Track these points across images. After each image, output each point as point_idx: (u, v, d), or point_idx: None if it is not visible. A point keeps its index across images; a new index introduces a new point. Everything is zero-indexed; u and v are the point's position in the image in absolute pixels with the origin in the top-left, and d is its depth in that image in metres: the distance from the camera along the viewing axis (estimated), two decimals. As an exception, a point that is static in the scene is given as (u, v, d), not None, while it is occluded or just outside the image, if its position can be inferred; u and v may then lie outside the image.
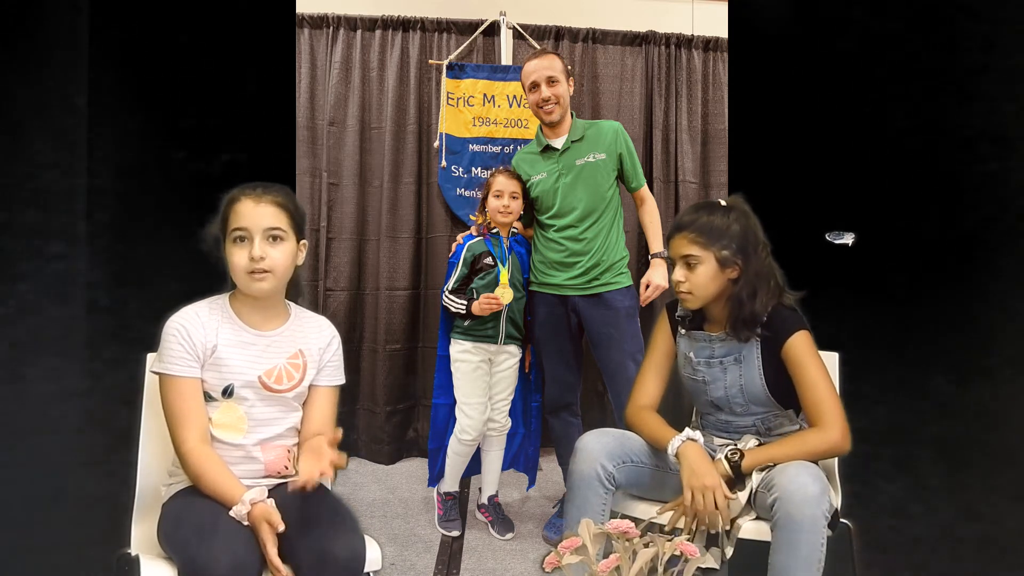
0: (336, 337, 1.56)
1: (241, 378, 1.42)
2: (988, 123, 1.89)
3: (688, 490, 1.45)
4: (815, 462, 1.50)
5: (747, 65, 2.13)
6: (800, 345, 1.55)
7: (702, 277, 1.56)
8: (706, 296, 1.58)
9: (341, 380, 1.55)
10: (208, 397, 1.42)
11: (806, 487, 1.37)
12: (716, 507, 1.43)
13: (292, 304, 1.54)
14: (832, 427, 1.51)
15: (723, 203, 1.61)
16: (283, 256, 1.43)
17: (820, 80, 2.00)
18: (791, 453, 1.48)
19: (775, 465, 1.47)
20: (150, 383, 1.48)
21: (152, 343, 1.44)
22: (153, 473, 1.50)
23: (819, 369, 1.55)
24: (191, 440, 1.37)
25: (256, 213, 1.41)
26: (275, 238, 1.41)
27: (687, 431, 1.55)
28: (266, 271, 1.40)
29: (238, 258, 1.40)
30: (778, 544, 1.37)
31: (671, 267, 1.63)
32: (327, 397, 1.52)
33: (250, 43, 1.93)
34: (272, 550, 1.26)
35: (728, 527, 1.46)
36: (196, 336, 1.40)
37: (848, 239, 1.95)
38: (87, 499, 1.76)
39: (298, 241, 1.47)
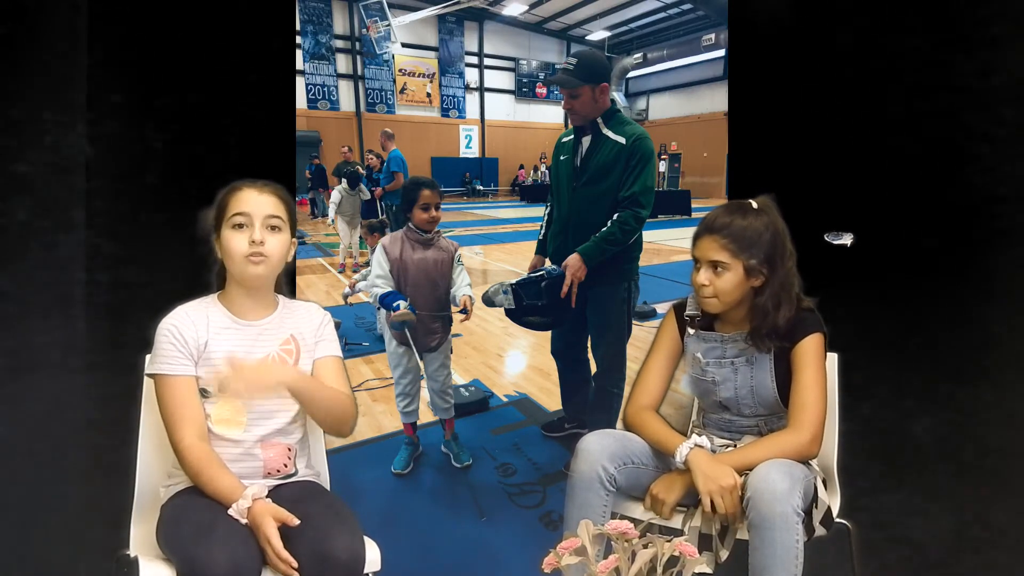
0: (327, 316, 1.57)
1: None
2: (989, 123, 1.89)
3: (706, 495, 1.45)
4: (804, 462, 1.50)
5: (746, 63, 2.12)
6: (808, 346, 1.55)
7: (728, 284, 1.54)
8: (730, 302, 1.57)
9: (339, 353, 1.55)
10: (205, 393, 1.43)
11: (774, 484, 1.37)
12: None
13: (280, 296, 1.54)
14: (804, 430, 1.51)
15: (755, 205, 1.58)
16: (280, 245, 1.44)
17: (820, 79, 2.00)
18: (764, 453, 1.48)
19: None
20: (149, 384, 1.48)
21: (151, 344, 1.45)
22: (152, 474, 1.50)
23: (817, 373, 1.54)
24: (188, 437, 1.37)
25: (259, 200, 1.43)
26: (274, 227, 1.43)
27: (694, 437, 1.54)
28: (264, 256, 1.41)
29: (237, 243, 1.41)
30: (753, 544, 1.37)
31: (695, 267, 1.61)
32: (332, 366, 1.52)
33: (250, 42, 1.93)
34: (277, 543, 1.25)
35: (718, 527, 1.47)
36: (187, 334, 1.41)
37: (847, 239, 1.94)
38: (86, 500, 1.76)
39: (291, 236, 1.48)
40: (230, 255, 1.42)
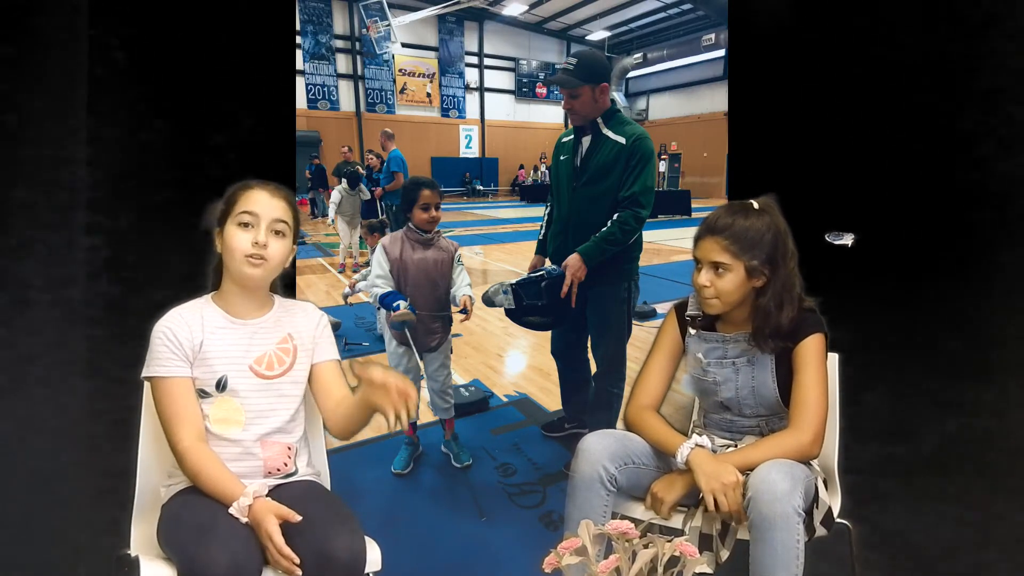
0: (324, 317, 1.56)
1: (233, 367, 1.43)
2: (989, 122, 1.89)
3: (709, 494, 1.45)
4: (805, 462, 1.50)
5: (747, 63, 2.12)
6: (810, 347, 1.55)
7: (729, 284, 1.54)
8: (731, 303, 1.57)
9: (338, 356, 1.55)
10: (203, 393, 1.42)
11: (775, 484, 1.37)
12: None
13: (275, 295, 1.54)
14: (805, 431, 1.51)
15: (756, 205, 1.58)
16: (281, 250, 1.44)
17: (820, 79, 2.00)
18: (766, 454, 1.49)
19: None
20: (149, 385, 1.48)
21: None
22: (153, 474, 1.50)
23: (818, 373, 1.54)
24: (187, 439, 1.37)
25: (270, 203, 1.43)
26: (278, 232, 1.43)
27: (695, 437, 1.55)
28: (264, 259, 1.41)
29: (240, 240, 1.41)
30: (754, 544, 1.38)
31: (696, 268, 1.61)
32: (334, 368, 1.53)
33: (250, 42, 1.93)
34: (279, 540, 1.26)
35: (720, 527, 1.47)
36: (182, 335, 1.41)
37: (848, 239, 1.94)
38: (87, 500, 1.76)
39: (293, 243, 1.48)
40: (231, 252, 1.42)
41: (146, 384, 1.48)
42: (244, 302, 1.47)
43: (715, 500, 1.44)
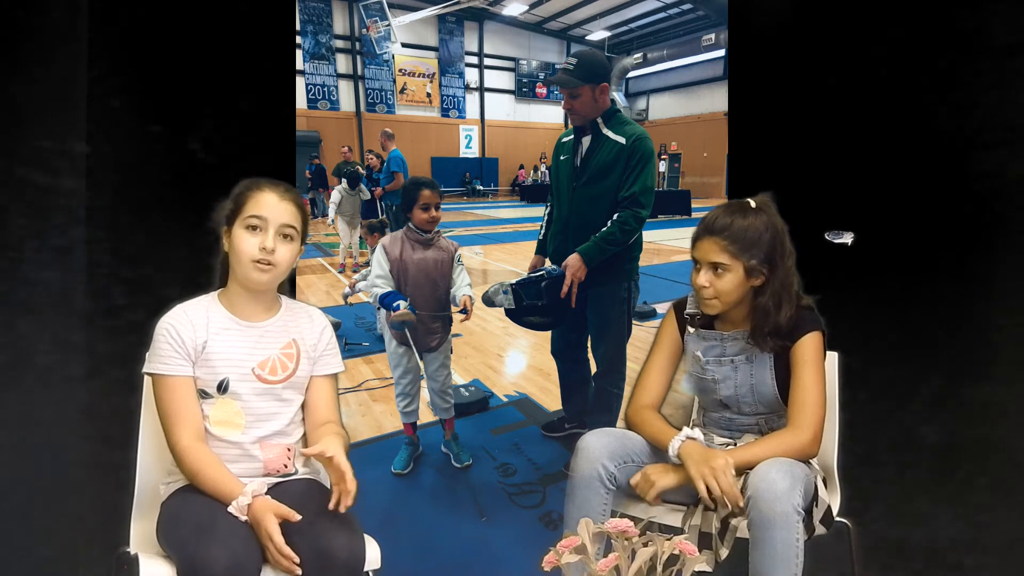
0: (328, 326, 1.56)
1: (235, 370, 1.42)
2: (989, 122, 1.89)
3: (699, 480, 1.44)
4: (804, 461, 1.50)
5: (746, 63, 2.13)
6: (808, 345, 1.55)
7: (728, 284, 1.55)
8: (730, 302, 1.57)
9: (340, 368, 1.56)
10: (204, 394, 1.42)
11: (775, 483, 1.37)
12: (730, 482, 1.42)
13: (282, 296, 1.54)
14: (804, 430, 1.51)
15: (753, 204, 1.58)
16: (289, 255, 1.44)
17: (820, 79, 2.00)
18: (765, 452, 1.49)
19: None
20: (149, 381, 1.48)
21: (151, 341, 1.44)
22: (152, 472, 1.50)
23: (816, 372, 1.55)
24: (186, 438, 1.37)
25: (279, 207, 1.42)
26: (287, 236, 1.43)
27: (686, 430, 1.55)
28: (272, 264, 1.41)
29: (248, 245, 1.40)
30: (754, 543, 1.38)
31: (695, 268, 1.61)
32: (328, 386, 1.53)
33: (250, 41, 1.94)
34: (279, 539, 1.26)
35: (720, 526, 1.47)
36: (185, 333, 1.40)
37: (847, 238, 1.95)
38: (86, 498, 1.77)
39: (301, 244, 1.48)
40: (238, 255, 1.41)
41: (146, 382, 1.48)
42: (251, 304, 1.47)
43: (707, 487, 1.43)
